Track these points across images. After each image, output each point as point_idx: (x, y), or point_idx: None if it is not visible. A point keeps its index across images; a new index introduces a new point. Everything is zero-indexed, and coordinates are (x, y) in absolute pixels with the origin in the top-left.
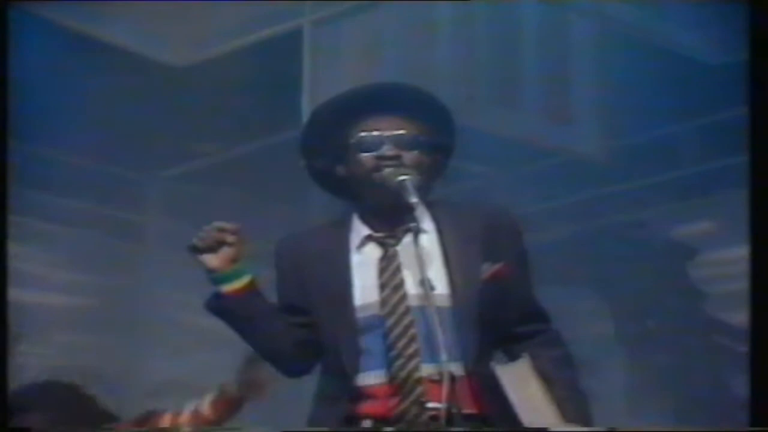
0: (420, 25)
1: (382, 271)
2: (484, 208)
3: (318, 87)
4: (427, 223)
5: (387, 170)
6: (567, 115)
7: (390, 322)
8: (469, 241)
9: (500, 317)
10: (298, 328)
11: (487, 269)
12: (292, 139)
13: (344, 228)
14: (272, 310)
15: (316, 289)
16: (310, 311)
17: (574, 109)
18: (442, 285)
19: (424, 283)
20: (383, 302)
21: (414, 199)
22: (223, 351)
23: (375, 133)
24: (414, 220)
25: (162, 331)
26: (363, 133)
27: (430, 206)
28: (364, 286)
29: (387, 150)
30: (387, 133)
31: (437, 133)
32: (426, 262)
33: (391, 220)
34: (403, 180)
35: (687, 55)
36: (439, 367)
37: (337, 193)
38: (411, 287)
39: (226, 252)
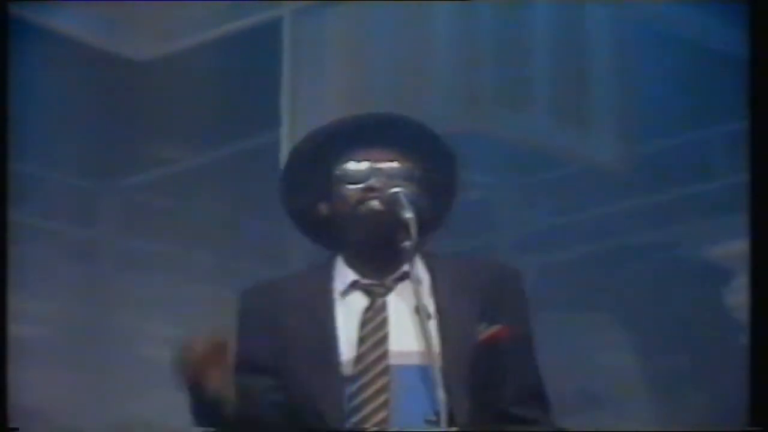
0: (415, 15)
1: (365, 322)
2: (487, 263)
3: (299, 84)
4: (421, 273)
5: (374, 202)
6: (582, 118)
7: (360, 382)
8: (466, 297)
9: (492, 388)
10: (269, 391)
11: (485, 330)
12: (271, 143)
13: (327, 274)
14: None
15: (293, 345)
16: (284, 372)
17: (590, 111)
18: (419, 342)
19: (419, 312)
20: (359, 359)
21: (408, 215)
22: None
23: (363, 163)
24: (409, 236)
25: (120, 365)
26: (349, 164)
27: (425, 256)
28: (348, 340)
29: (375, 182)
30: (377, 165)
31: (437, 173)
32: (420, 299)
33: (380, 265)
34: (395, 192)
35: (719, 50)
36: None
37: (319, 237)
38: (396, 344)
39: (214, 375)
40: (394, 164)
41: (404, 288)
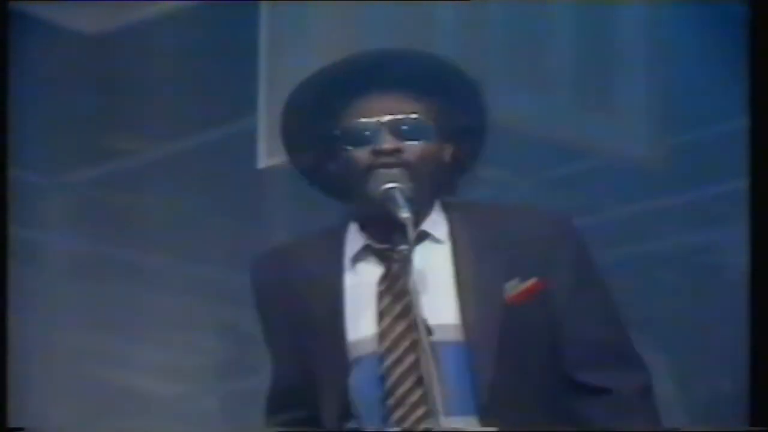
0: None
1: (381, 294)
2: (524, 209)
3: (279, 65)
4: (440, 231)
5: (379, 172)
6: (609, 105)
7: (389, 360)
8: (490, 250)
9: (531, 357)
10: (290, 375)
11: (514, 287)
12: (244, 133)
13: (337, 239)
14: None
15: (301, 321)
16: (298, 350)
17: (618, 97)
18: (451, 313)
19: (418, 325)
20: (382, 335)
21: (405, 214)
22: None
23: (365, 120)
24: (405, 240)
25: (63, 385)
26: (350, 121)
27: (446, 209)
28: (359, 314)
29: (384, 142)
30: (385, 118)
31: (459, 116)
32: (430, 288)
33: (396, 229)
34: (389, 189)
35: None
36: (449, 421)
37: (335, 194)
38: (427, 314)
39: None
40: (405, 116)
41: (423, 250)
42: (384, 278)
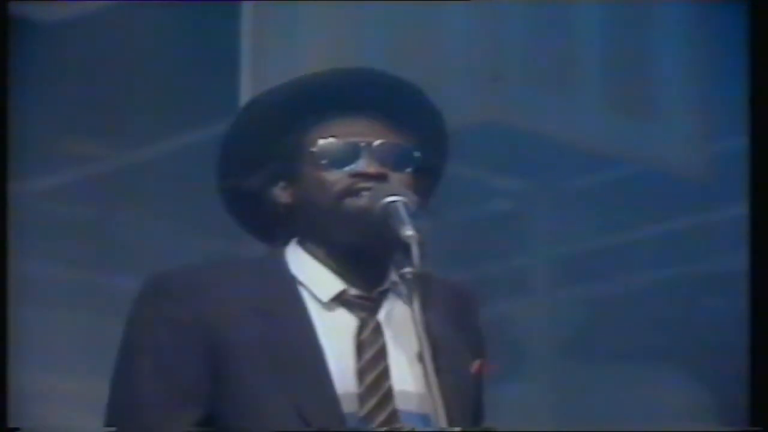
0: None
1: (360, 348)
2: (452, 284)
3: (264, 63)
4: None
5: (366, 194)
6: (646, 106)
7: (373, 426)
8: (456, 326)
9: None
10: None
11: (475, 365)
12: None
13: (284, 273)
14: None
15: (246, 361)
16: (216, 399)
17: (657, 97)
18: (416, 381)
19: (423, 356)
20: (363, 397)
21: (409, 232)
22: None
23: (347, 140)
24: (410, 262)
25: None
26: (330, 140)
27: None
28: (338, 366)
29: (367, 165)
30: (366, 141)
31: (430, 150)
32: (395, 348)
33: (368, 273)
34: (393, 202)
35: None
36: None
37: (269, 231)
38: (396, 380)
39: None
40: (390, 141)
41: (392, 305)
42: (361, 331)
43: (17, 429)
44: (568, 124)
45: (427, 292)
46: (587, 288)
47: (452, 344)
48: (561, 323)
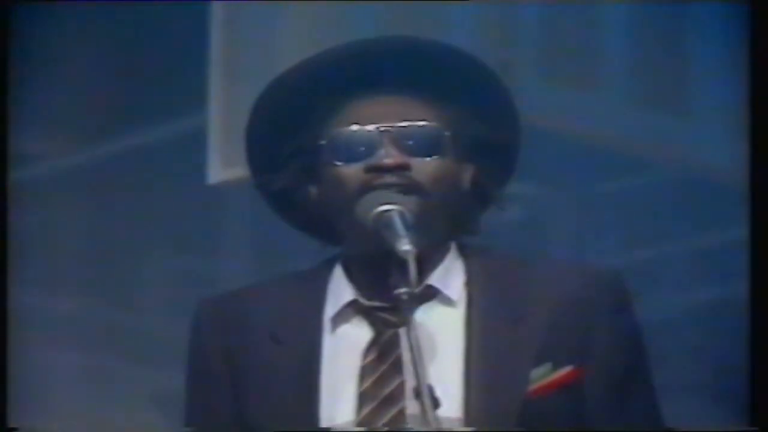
0: None
1: (365, 370)
2: (562, 266)
3: (237, 56)
4: (453, 288)
5: (373, 193)
6: (679, 102)
7: None
8: (516, 322)
9: None
10: None
11: (543, 375)
12: (193, 136)
13: (315, 289)
14: None
15: (261, 398)
16: None
17: (693, 93)
18: (455, 404)
19: (421, 396)
20: (363, 424)
21: (405, 246)
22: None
23: (362, 127)
24: (406, 281)
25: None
26: (341, 130)
27: (464, 255)
28: (336, 394)
29: (384, 156)
30: (385, 126)
31: (481, 125)
32: (436, 356)
33: (390, 279)
34: (385, 212)
35: None
36: None
37: (316, 229)
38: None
39: None
40: (411, 124)
41: (427, 312)
42: (371, 346)
43: (16, 429)
44: (592, 122)
45: (492, 281)
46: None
47: (505, 347)
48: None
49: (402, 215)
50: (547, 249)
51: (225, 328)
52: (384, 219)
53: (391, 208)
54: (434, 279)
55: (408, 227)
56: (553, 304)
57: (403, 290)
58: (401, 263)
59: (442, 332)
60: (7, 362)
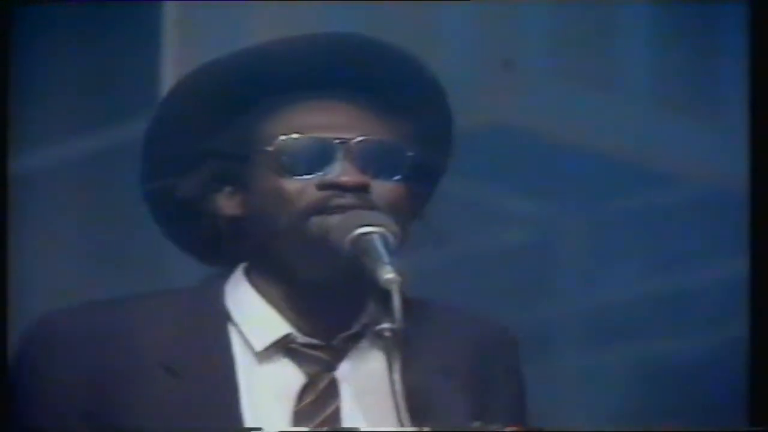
0: None
1: (300, 415)
2: (479, 319)
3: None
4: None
5: (337, 218)
6: (712, 109)
7: None
8: (476, 377)
9: None
10: None
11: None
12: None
13: (220, 310)
14: None
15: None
16: None
17: (721, 101)
18: None
19: (399, 414)
20: None
21: (389, 275)
22: None
23: (317, 136)
24: (389, 315)
25: None
26: (293, 136)
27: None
28: None
29: (342, 172)
30: (342, 138)
31: (430, 142)
32: (374, 404)
33: (331, 314)
34: (367, 235)
35: None
36: None
37: (210, 248)
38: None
39: None
40: (374, 137)
41: (363, 355)
42: (306, 390)
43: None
44: (609, 130)
45: (437, 329)
46: (631, 348)
47: (466, 404)
48: (596, 392)
49: (384, 239)
50: (554, 278)
51: (89, 348)
52: (364, 243)
53: (372, 230)
54: (366, 318)
55: (391, 253)
56: (470, 357)
57: (386, 326)
58: (382, 294)
59: (372, 376)
60: (8, 362)
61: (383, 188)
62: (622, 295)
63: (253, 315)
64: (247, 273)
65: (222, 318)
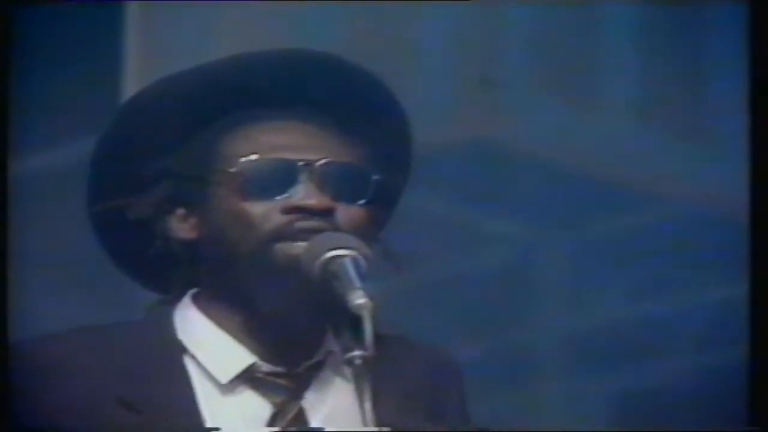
0: None
1: None
2: (426, 348)
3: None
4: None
5: (303, 244)
6: (699, 127)
7: None
8: (430, 407)
9: None
10: None
11: None
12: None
13: (171, 338)
14: None
15: None
16: None
17: (714, 116)
18: None
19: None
20: None
21: (360, 300)
22: None
23: (279, 157)
24: (360, 342)
25: None
26: (253, 157)
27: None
28: None
29: (307, 195)
30: (306, 159)
31: (389, 164)
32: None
33: (295, 343)
34: (338, 258)
35: None
36: None
37: (154, 278)
38: None
39: None
40: (338, 160)
41: (326, 383)
42: (275, 420)
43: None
44: (592, 148)
45: (391, 361)
46: (615, 377)
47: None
48: (579, 426)
49: (356, 262)
50: (534, 302)
51: (41, 380)
52: (334, 266)
53: (343, 253)
54: (331, 345)
55: (363, 277)
56: (421, 383)
57: (357, 353)
58: (352, 320)
59: (345, 406)
60: (8, 362)
61: (348, 212)
62: (603, 320)
63: (212, 346)
64: (197, 301)
65: (176, 350)
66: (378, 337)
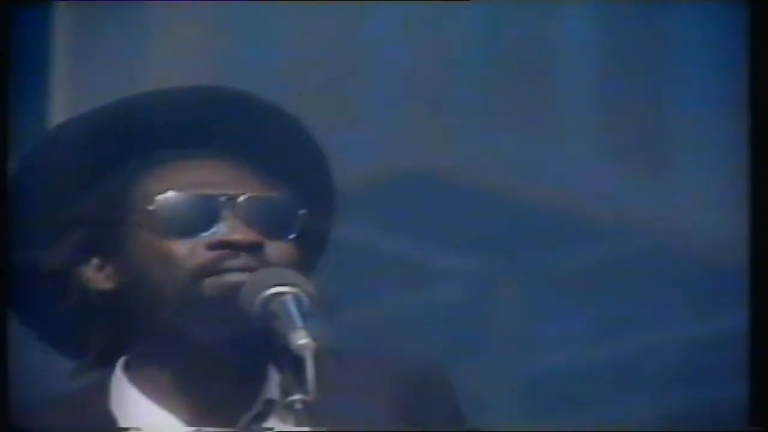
0: None
1: None
2: (406, 363)
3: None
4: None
5: (235, 275)
6: (663, 154)
7: None
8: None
9: None
10: None
11: None
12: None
13: (102, 412)
14: None
15: None
16: None
17: (681, 142)
18: None
19: None
20: None
21: (302, 340)
22: None
23: (199, 193)
24: (302, 384)
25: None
26: (170, 194)
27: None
28: None
29: (232, 230)
30: (226, 194)
31: (313, 205)
32: None
33: (230, 396)
34: (279, 295)
35: None
36: None
37: (72, 342)
38: None
39: None
40: (261, 195)
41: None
42: None
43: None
44: (550, 177)
45: (366, 376)
46: (575, 422)
47: None
48: None
49: (298, 300)
50: (487, 343)
51: None
52: (276, 305)
53: (285, 290)
54: (271, 394)
55: (305, 315)
56: (404, 404)
57: (296, 397)
58: (293, 362)
59: None
60: (8, 362)
61: (278, 248)
62: (562, 361)
63: (143, 421)
64: (127, 368)
65: (110, 426)
66: (356, 354)
